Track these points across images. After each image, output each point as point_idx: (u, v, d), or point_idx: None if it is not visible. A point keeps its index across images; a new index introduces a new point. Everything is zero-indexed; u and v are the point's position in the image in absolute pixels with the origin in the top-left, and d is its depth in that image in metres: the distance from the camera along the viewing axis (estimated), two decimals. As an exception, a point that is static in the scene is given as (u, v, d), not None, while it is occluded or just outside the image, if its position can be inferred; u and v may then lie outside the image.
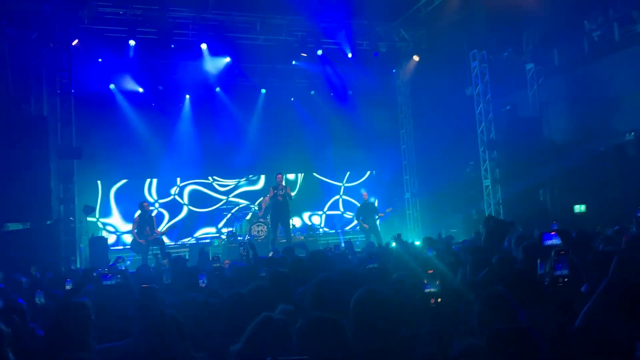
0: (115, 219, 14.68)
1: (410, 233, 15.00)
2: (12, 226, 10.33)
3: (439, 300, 2.79)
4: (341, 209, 17.03)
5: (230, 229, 14.23)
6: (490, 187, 12.97)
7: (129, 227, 13.71)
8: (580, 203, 12.41)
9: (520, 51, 13.29)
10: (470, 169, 14.03)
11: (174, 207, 15.38)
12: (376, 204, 14.52)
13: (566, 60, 13.06)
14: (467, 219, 13.74)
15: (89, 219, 12.94)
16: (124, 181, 14.85)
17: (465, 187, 14.24)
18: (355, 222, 16.44)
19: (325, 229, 16.41)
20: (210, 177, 15.87)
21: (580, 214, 12.37)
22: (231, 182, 16.03)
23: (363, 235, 13.67)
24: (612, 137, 11.90)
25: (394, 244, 7.31)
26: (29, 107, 11.76)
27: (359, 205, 14.08)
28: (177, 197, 15.49)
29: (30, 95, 11.91)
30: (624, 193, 11.29)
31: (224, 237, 14.18)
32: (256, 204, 15.33)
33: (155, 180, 15.22)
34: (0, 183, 9.60)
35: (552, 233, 3.33)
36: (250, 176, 15.98)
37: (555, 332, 2.47)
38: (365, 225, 13.05)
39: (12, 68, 11.46)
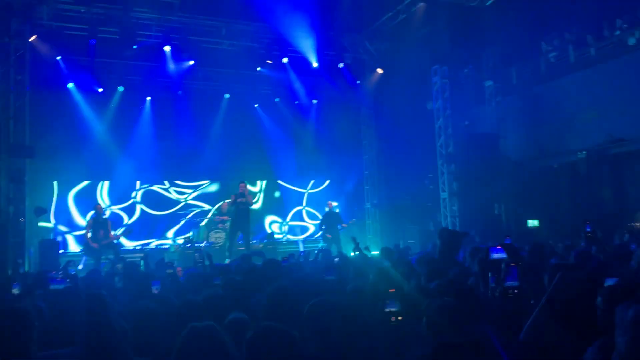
0: (71, 221, 14.23)
1: (369, 243, 15.10)
2: (-43, 226, 9.91)
3: (400, 318, 2.82)
4: (306, 219, 17.00)
5: (188, 234, 14.00)
6: (447, 199, 13.21)
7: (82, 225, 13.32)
8: (533, 217, 12.81)
9: (480, 69, 13.68)
10: (428, 181, 14.28)
11: (132, 211, 15.03)
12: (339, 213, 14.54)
13: (523, 79, 13.52)
14: (425, 230, 13.96)
15: (42, 223, 12.53)
16: (85, 183, 14.41)
17: (424, 199, 14.48)
18: (313, 230, 16.54)
19: (289, 236, 16.33)
20: (166, 182, 15.55)
21: (534, 228, 12.76)
22: (189, 190, 15.76)
23: (324, 245, 13.67)
24: (565, 155, 12.35)
25: (352, 253, 7.33)
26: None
27: (324, 213, 14.06)
28: (135, 200, 15.14)
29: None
30: (575, 209, 11.72)
31: (180, 241, 13.93)
32: (215, 208, 15.16)
33: (107, 183, 14.78)
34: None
35: (499, 247, 3.42)
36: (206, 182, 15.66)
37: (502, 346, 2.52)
38: (328, 235, 13.03)
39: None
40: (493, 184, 12.90)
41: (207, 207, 15.60)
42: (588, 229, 5.89)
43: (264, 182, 16.63)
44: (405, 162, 14.38)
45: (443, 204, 13.31)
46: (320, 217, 14.77)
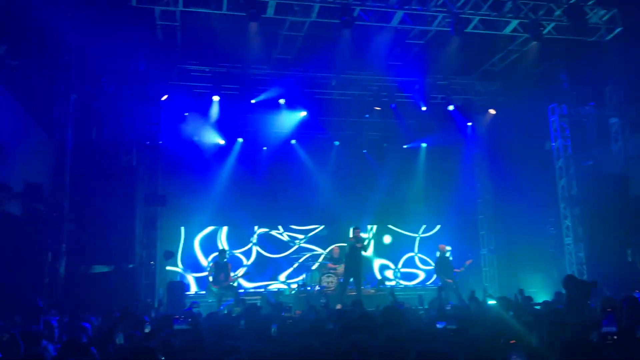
0: (196, 264, 15.19)
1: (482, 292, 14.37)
2: (98, 268, 10.96)
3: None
4: (418, 265, 16.70)
5: (300, 277, 14.25)
6: (572, 245, 12.31)
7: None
8: (674, 265, 11.51)
9: (603, 105, 12.81)
10: (550, 225, 13.43)
11: (250, 254, 15.71)
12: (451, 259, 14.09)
13: (654, 114, 12.45)
14: (548, 278, 13.05)
15: (169, 267, 13.46)
16: (209, 228, 15.39)
17: (546, 245, 13.61)
18: (424, 277, 16.12)
19: (402, 282, 16.06)
20: (280, 227, 16.08)
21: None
22: (301, 235, 16.16)
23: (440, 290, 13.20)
24: None
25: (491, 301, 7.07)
26: (120, 156, 12.67)
27: (436, 258, 13.67)
28: (253, 243, 15.80)
29: (121, 146, 12.86)
30: None
31: (294, 285, 14.25)
32: (327, 251, 15.37)
33: (227, 228, 15.62)
34: (91, 228, 10.29)
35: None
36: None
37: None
38: (449, 280, 12.61)
39: (107, 120, 12.49)
40: (624, 228, 11.82)
41: (318, 250, 15.89)
42: None
43: (374, 226, 16.63)
44: (523, 206, 13.67)
45: (567, 250, 12.42)
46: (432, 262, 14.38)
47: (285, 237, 16.05)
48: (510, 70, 13.32)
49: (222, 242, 15.44)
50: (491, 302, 8.13)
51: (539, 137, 13.62)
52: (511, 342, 2.79)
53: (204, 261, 15.04)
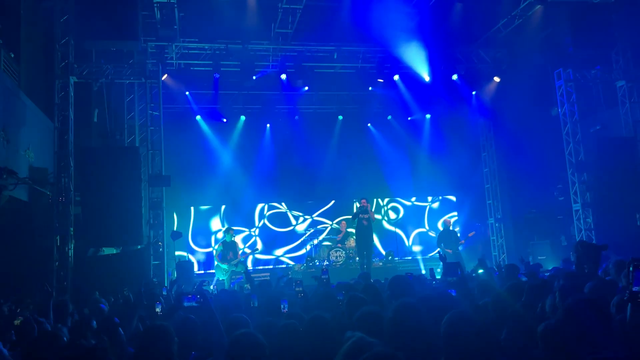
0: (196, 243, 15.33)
1: (494, 261, 14.40)
2: (107, 250, 11.02)
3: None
4: (426, 226, 16.80)
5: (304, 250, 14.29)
6: (580, 211, 12.26)
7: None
8: (684, 228, 11.46)
9: (610, 68, 12.61)
10: (558, 192, 13.36)
11: (256, 231, 15.79)
12: (457, 231, 14.13)
13: (662, 76, 12.25)
14: (556, 245, 13.03)
15: (178, 252, 13.58)
16: (212, 206, 15.47)
17: (553, 211, 13.57)
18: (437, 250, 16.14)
19: (407, 258, 16.11)
20: (284, 204, 16.13)
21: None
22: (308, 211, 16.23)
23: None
24: None
25: (480, 271, 7.02)
26: (123, 138, 12.65)
27: (440, 230, 13.74)
28: (257, 219, 15.88)
29: (124, 126, 12.83)
30: None
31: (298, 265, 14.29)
32: (335, 222, 15.44)
33: (232, 206, 15.67)
34: (98, 210, 10.30)
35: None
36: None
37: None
38: (449, 251, 12.68)
39: (108, 102, 12.42)
40: (632, 193, 11.75)
41: (326, 222, 15.94)
42: None
43: (385, 199, 16.69)
44: (530, 173, 13.60)
45: (576, 216, 12.37)
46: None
47: (291, 215, 16.12)
48: (514, 36, 13.08)
49: (230, 220, 15.51)
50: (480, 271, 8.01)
51: (545, 104, 13.47)
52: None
53: (208, 241, 15.17)
